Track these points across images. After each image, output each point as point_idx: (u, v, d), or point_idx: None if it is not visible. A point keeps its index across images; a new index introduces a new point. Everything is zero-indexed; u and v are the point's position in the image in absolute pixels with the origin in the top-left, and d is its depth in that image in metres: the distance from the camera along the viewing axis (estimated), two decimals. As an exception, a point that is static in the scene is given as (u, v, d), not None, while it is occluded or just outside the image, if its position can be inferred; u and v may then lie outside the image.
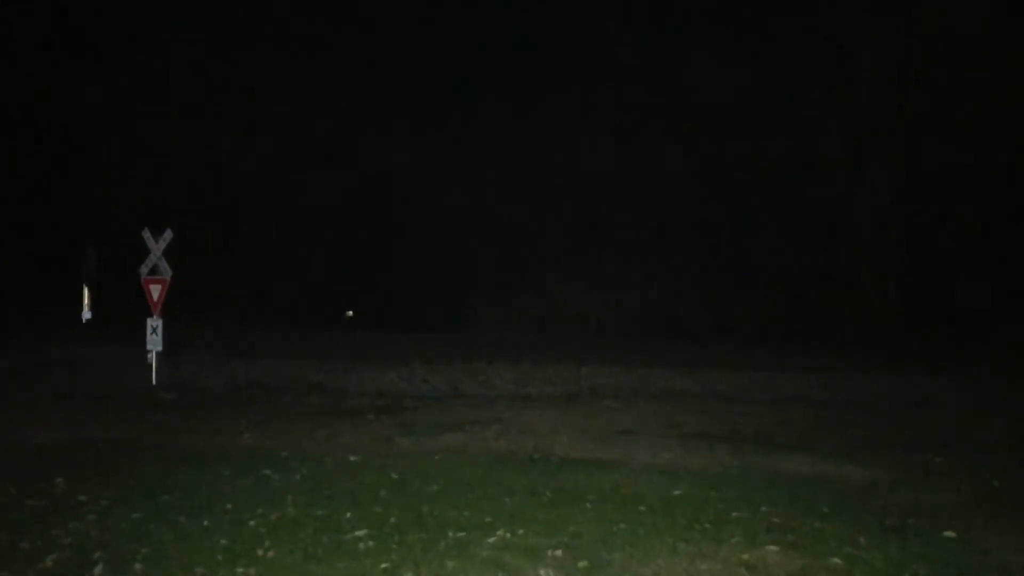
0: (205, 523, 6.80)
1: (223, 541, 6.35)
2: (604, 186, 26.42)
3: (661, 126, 25.26)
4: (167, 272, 16.09)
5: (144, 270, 16.15)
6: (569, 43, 26.82)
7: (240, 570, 5.80)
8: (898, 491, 8.48)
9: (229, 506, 7.27)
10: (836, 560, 6.27)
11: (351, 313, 32.99)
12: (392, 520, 6.95)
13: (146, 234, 16.16)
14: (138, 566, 5.83)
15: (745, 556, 6.26)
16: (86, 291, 36.78)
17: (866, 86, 21.73)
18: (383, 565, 5.93)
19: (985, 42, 20.19)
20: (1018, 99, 19.85)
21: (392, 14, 29.49)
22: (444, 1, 29.04)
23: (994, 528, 7.20)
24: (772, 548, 6.48)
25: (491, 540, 6.51)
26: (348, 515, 7.07)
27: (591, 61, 26.84)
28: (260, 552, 6.13)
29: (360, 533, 6.59)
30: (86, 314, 36.24)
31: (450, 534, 6.61)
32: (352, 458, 9.44)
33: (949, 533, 7.00)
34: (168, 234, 16.12)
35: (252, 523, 6.83)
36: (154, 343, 15.80)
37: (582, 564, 6.04)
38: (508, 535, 6.63)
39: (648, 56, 25.55)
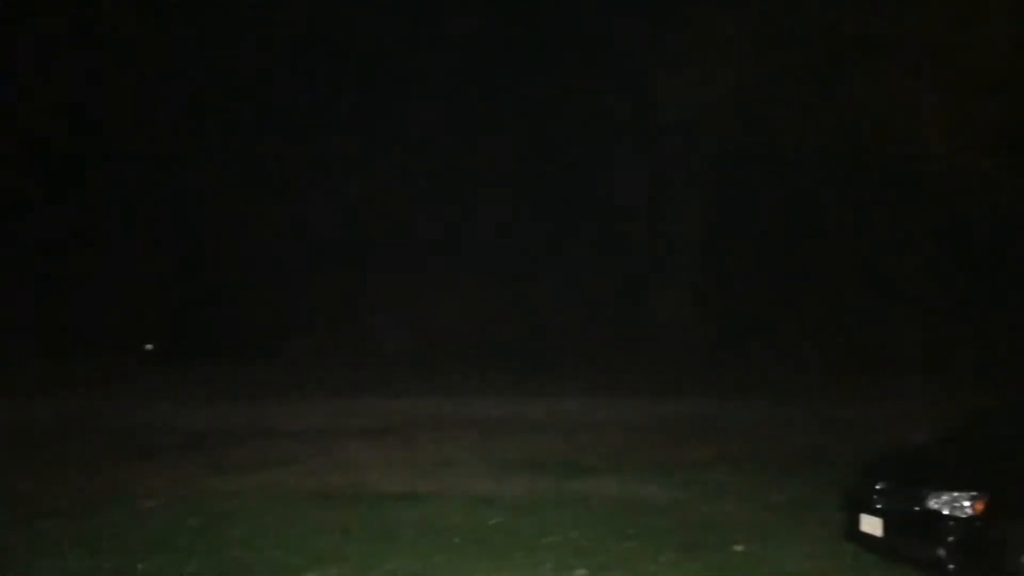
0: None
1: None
2: (425, 217, 26.44)
3: (477, 164, 25.67)
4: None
5: None
6: (384, 70, 26.61)
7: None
8: (695, 508, 9.01)
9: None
10: (640, 579, 6.56)
11: (151, 346, 30.46)
12: (191, 569, 6.51)
13: None
14: None
15: (556, 582, 6.41)
16: None
17: (667, 135, 23.27)
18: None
19: (773, 91, 22.19)
20: (797, 143, 21.85)
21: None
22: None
23: (779, 540, 7.81)
24: (581, 572, 6.66)
25: (301, 583, 6.26)
26: (140, 566, 6.55)
27: (408, 98, 26.80)
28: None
29: (153, 585, 6.12)
30: None
31: (256, 580, 6.29)
32: (150, 503, 8.78)
33: (739, 547, 7.52)
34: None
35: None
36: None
37: (396, 601, 5.93)
38: (319, 576, 6.40)
39: (461, 93, 25.98)
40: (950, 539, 6.64)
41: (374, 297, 27.26)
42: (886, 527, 7.10)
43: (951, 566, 6.65)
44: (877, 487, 7.32)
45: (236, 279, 28.26)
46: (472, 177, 25.74)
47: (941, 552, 6.68)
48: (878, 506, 7.21)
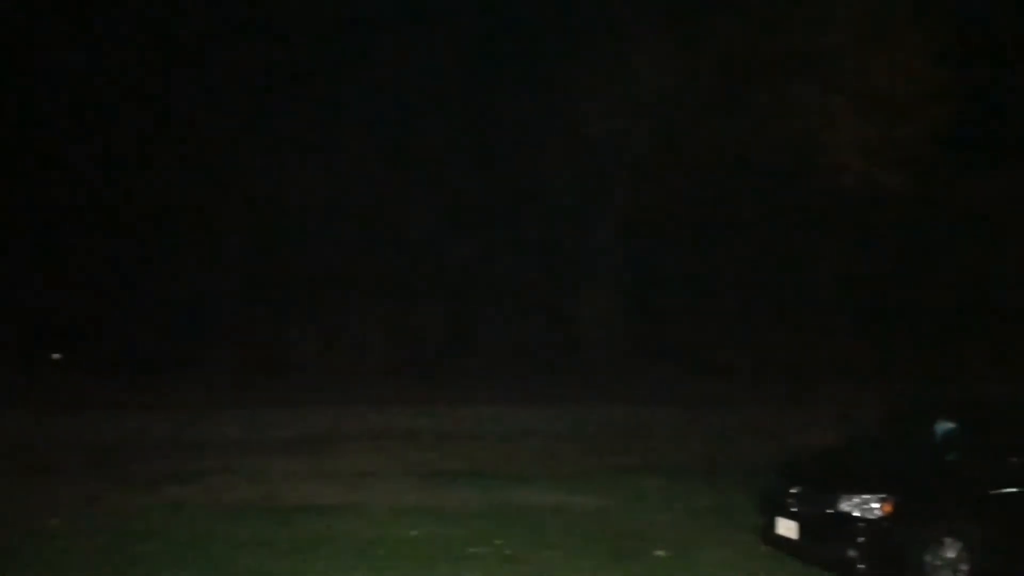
0: None
1: None
2: (348, 226, 25.97)
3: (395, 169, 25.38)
4: None
5: None
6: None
7: None
8: (620, 515, 9.09)
9: None
10: (564, 587, 6.56)
11: (58, 356, 29.06)
12: (96, 590, 6.22)
13: None
14: None
15: (480, 592, 6.36)
16: None
17: (594, 137, 23.49)
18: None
19: (697, 104, 22.71)
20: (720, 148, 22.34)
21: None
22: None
23: (699, 545, 7.94)
24: (505, 581, 6.63)
25: (214, 601, 6.04)
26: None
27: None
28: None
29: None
30: None
31: (167, 599, 6.05)
32: (53, 521, 8.35)
33: (661, 552, 7.61)
34: None
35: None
36: None
37: (315, 617, 5.78)
38: (234, 594, 6.20)
39: (384, 100, 25.65)
40: (860, 540, 6.86)
41: (294, 307, 26.68)
42: (801, 530, 7.30)
43: (861, 566, 6.88)
44: (792, 491, 7.52)
45: (149, 287, 27.28)
46: (395, 185, 25.46)
47: (852, 553, 6.91)
48: (793, 509, 7.41)
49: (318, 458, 12.52)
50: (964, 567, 6.86)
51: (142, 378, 24.42)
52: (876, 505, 6.86)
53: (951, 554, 6.85)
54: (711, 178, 22.84)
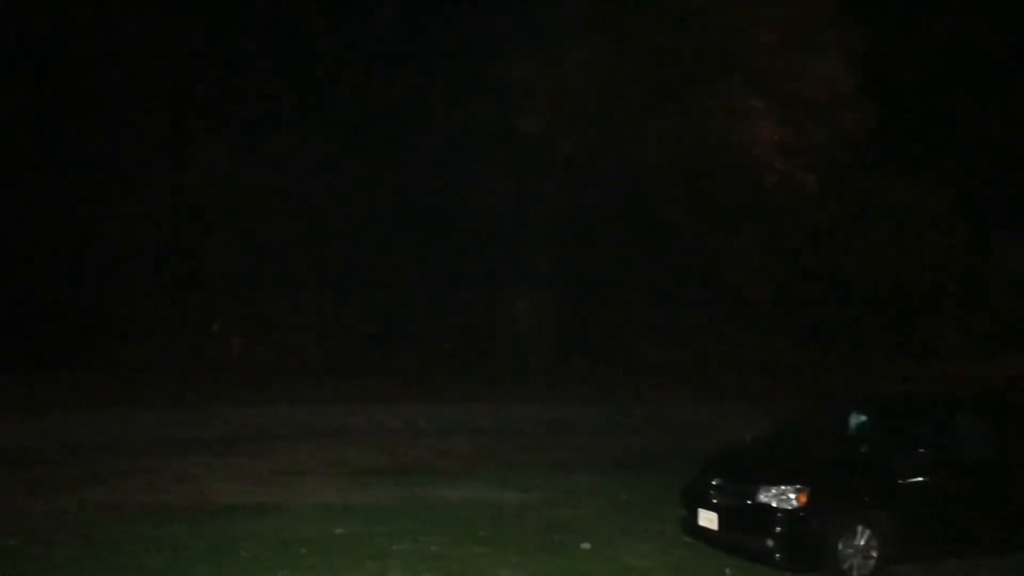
0: None
1: None
2: (273, 222, 25.39)
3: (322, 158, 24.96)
4: None
5: None
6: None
7: None
8: (546, 510, 9.17)
9: None
10: (489, 583, 6.58)
11: None
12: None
13: None
14: None
15: (404, 589, 6.33)
16: None
17: (527, 135, 23.58)
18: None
19: (625, 104, 23.01)
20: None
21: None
22: None
23: (624, 538, 8.07)
24: (431, 578, 6.62)
25: (129, 605, 5.86)
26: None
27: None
28: None
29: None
30: None
31: (78, 604, 5.84)
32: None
33: (586, 545, 7.71)
34: None
35: None
36: None
37: (234, 619, 5.67)
38: (150, 597, 6.03)
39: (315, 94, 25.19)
40: (778, 530, 7.08)
41: (218, 303, 25.97)
42: (721, 521, 7.49)
43: (778, 555, 7.10)
44: (713, 483, 7.72)
45: (65, 280, 26.19)
46: (325, 179, 25.02)
47: (770, 542, 7.12)
48: (714, 501, 7.60)
49: (243, 457, 12.26)
50: (874, 553, 7.15)
51: (59, 376, 23.46)
52: (792, 496, 7.09)
53: (862, 541, 7.13)
54: (642, 177, 23.18)
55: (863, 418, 8.40)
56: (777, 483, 7.21)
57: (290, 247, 24.68)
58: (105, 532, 7.82)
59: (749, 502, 7.29)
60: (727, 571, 7.18)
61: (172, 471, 11.00)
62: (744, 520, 7.35)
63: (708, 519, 7.60)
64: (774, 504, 7.14)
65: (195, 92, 24.78)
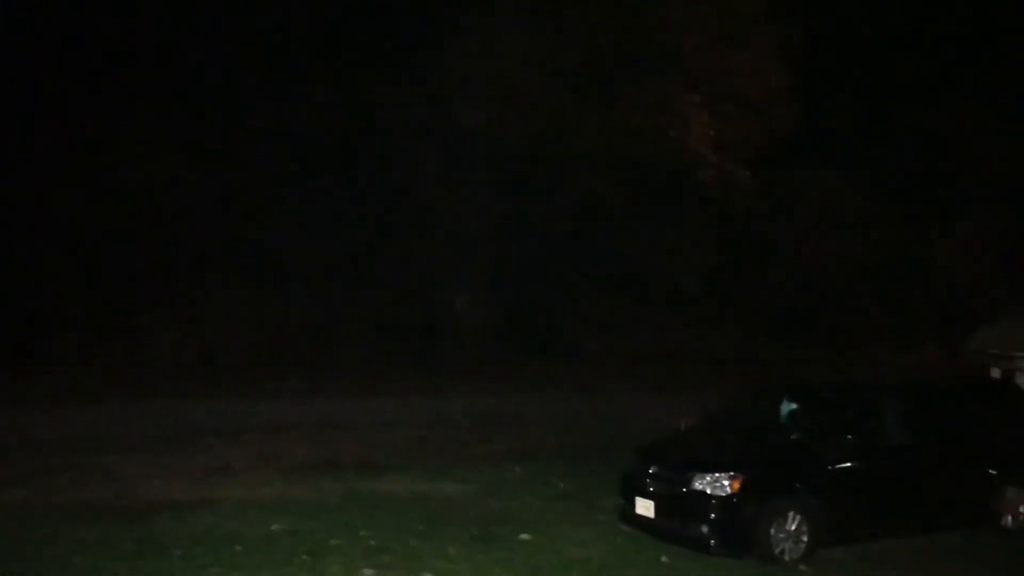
0: None
1: None
2: (210, 213, 24.74)
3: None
4: None
5: None
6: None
7: None
8: (484, 502, 9.17)
9: None
10: (428, 574, 6.55)
11: None
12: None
13: None
14: None
15: (342, 583, 6.26)
16: None
17: (465, 128, 23.48)
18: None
19: (560, 98, 23.13)
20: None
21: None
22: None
23: (563, 527, 8.13)
24: (368, 571, 6.56)
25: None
26: None
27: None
28: None
29: None
30: None
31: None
32: None
33: (525, 536, 7.74)
34: None
35: None
36: None
37: (165, 619, 5.52)
38: (76, 599, 5.83)
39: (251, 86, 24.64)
40: (712, 516, 7.23)
41: (149, 296, 25.19)
42: (657, 509, 7.61)
43: (712, 541, 7.25)
44: (649, 472, 7.83)
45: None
46: (259, 169, 24.50)
47: (704, 528, 7.27)
48: (650, 489, 7.71)
49: (173, 454, 11.94)
50: (804, 538, 7.35)
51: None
52: (726, 483, 7.24)
53: (793, 526, 7.32)
54: (581, 171, 23.34)
55: (793, 406, 8.61)
56: (711, 470, 7.35)
57: (221, 237, 24.10)
58: (26, 532, 7.53)
59: (684, 489, 7.42)
60: (663, 559, 7.28)
61: (100, 469, 10.66)
62: (679, 508, 7.47)
63: (645, 507, 7.71)
64: (708, 491, 7.27)
65: (117, 81, 23.96)
